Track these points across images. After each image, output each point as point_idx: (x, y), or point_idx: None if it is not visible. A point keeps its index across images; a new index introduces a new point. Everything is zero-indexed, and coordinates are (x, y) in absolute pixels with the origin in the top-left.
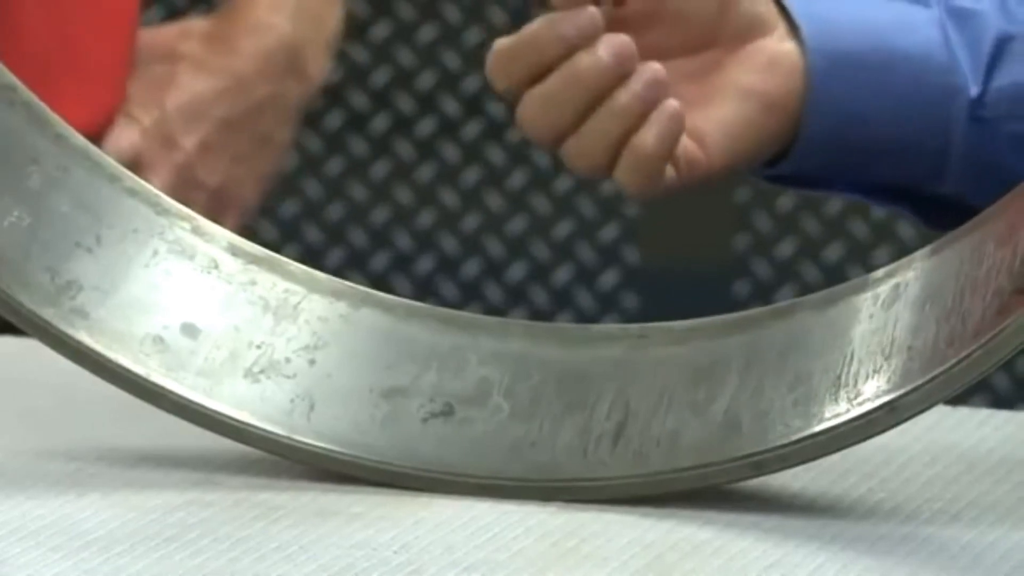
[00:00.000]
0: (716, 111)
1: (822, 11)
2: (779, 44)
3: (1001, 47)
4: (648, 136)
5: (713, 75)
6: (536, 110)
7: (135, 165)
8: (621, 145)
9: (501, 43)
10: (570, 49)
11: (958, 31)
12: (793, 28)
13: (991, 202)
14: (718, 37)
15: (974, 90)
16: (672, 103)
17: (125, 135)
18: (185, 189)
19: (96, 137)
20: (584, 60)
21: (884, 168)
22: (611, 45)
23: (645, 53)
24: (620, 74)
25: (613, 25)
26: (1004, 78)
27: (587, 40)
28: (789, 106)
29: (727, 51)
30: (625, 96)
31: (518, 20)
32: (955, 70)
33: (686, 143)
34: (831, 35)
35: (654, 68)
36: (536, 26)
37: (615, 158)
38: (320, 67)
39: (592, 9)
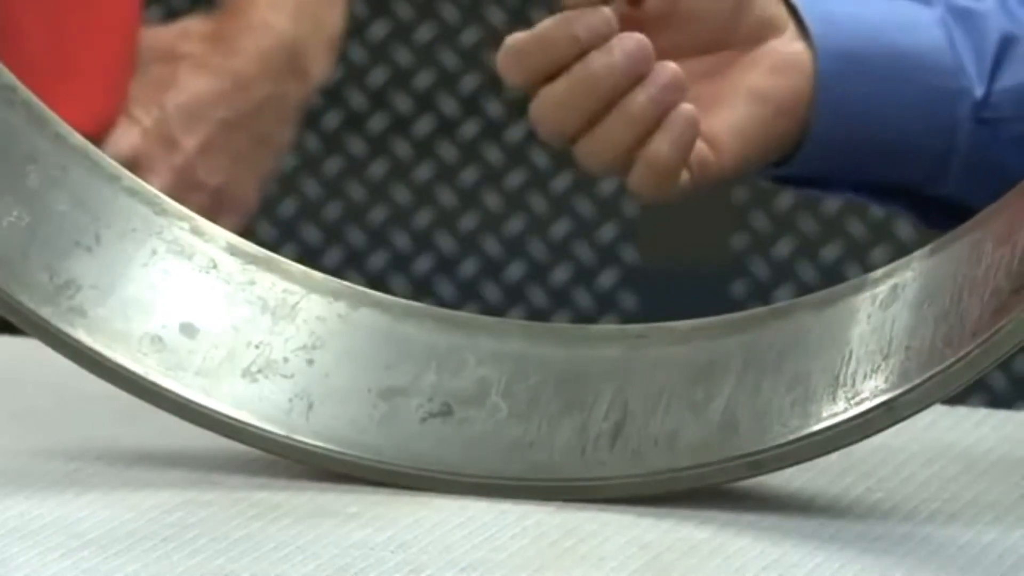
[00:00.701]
0: (728, 113)
1: (828, 11)
2: (789, 45)
3: (1005, 48)
4: (663, 144)
5: (724, 76)
6: (549, 110)
7: (136, 166)
8: (635, 148)
9: (513, 39)
10: (583, 49)
11: (961, 31)
12: (802, 29)
13: (991, 203)
14: (732, 38)
15: (978, 91)
16: (687, 108)
17: (127, 136)
18: (186, 190)
19: (97, 138)
20: (598, 61)
21: (887, 169)
22: (626, 46)
23: (658, 53)
24: (635, 75)
25: (628, 25)
26: (1008, 80)
27: (600, 40)
28: (798, 107)
29: (739, 52)
30: (640, 99)
31: (517, 20)
32: (960, 71)
33: (698, 145)
34: (838, 35)
35: (671, 69)
36: (549, 24)
37: (629, 160)
38: (322, 67)
39: (605, 9)
